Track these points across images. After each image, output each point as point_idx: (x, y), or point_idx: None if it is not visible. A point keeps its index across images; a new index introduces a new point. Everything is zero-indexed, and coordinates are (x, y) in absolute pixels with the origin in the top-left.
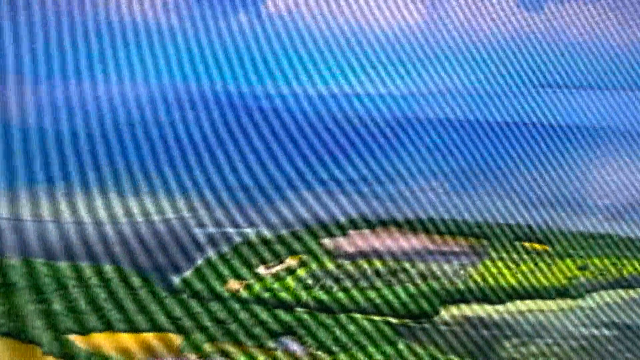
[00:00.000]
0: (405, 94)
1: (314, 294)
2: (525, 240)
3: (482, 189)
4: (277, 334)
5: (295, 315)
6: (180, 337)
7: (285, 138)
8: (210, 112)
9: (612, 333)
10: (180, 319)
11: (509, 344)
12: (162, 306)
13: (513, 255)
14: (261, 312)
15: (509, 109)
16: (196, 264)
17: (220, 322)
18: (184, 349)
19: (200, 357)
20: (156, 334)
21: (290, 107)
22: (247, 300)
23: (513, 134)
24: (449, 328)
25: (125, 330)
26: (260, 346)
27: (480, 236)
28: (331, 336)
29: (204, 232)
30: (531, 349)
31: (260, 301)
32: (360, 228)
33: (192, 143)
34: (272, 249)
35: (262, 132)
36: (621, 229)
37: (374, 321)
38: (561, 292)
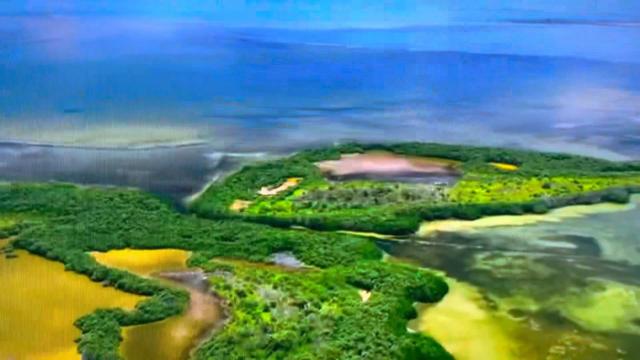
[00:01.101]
0: (397, 29)
1: (309, 213)
2: (497, 162)
3: (461, 116)
4: (275, 249)
5: (291, 233)
6: (189, 254)
7: (288, 71)
8: (223, 48)
9: (571, 246)
10: (190, 236)
11: (480, 256)
12: (174, 225)
13: (485, 175)
14: (261, 230)
15: (486, 42)
16: (206, 186)
17: (225, 239)
18: (192, 264)
19: (206, 271)
20: (168, 250)
21: (295, 42)
22: (249, 219)
23: (489, 65)
24: (426, 242)
25: (141, 247)
26: (260, 261)
27: (456, 158)
28: (323, 252)
29: (215, 157)
30: (499, 261)
31: (261, 220)
32: (353, 152)
33: (206, 77)
34: (273, 173)
35: (268, 66)
36: (583, 151)
37: (361, 237)
38: (527, 209)
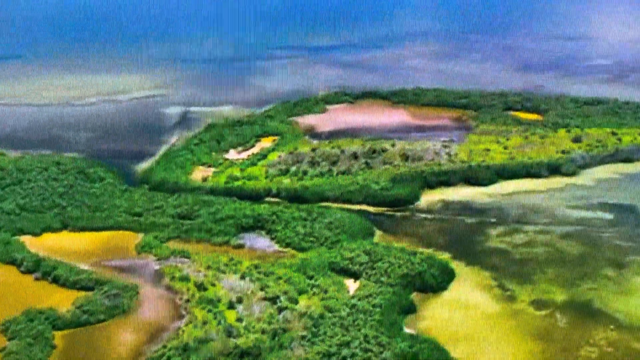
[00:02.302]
0: None
1: (286, 181)
2: (517, 110)
3: (473, 52)
4: (244, 229)
5: (263, 208)
6: (139, 236)
7: (261, 2)
8: None
9: (607, 216)
10: (140, 215)
11: (494, 232)
12: (121, 201)
13: (502, 128)
14: (227, 205)
15: None
16: (162, 150)
17: (182, 217)
18: (141, 249)
19: (159, 259)
20: (114, 232)
21: None
22: (213, 191)
23: None
24: (429, 216)
25: (81, 229)
26: (225, 244)
27: (467, 107)
28: (302, 231)
29: (174, 111)
30: (518, 237)
31: (227, 192)
32: (340, 102)
33: (164, 8)
34: (244, 131)
35: None
36: (622, 92)
37: (349, 211)
38: (553, 169)
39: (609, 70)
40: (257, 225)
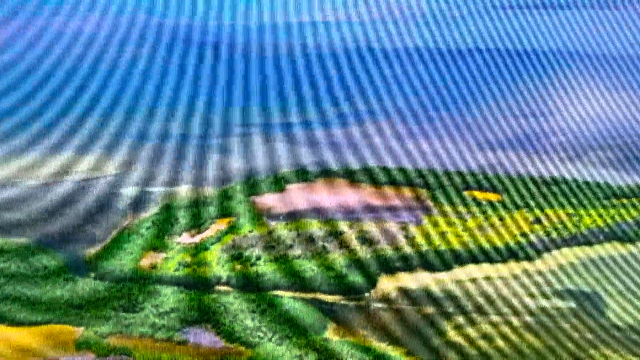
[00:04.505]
0: (363, 20)
1: (238, 267)
2: (475, 189)
3: (435, 130)
4: (189, 323)
5: (211, 299)
6: (79, 331)
7: (229, 76)
8: (154, 48)
9: (568, 304)
10: (82, 306)
11: (451, 324)
12: (63, 292)
13: (460, 209)
14: (173, 296)
15: (467, 35)
16: (112, 234)
17: (125, 310)
18: (80, 345)
19: (98, 357)
20: (53, 326)
21: (240, 40)
22: (160, 280)
23: (470, 63)
24: (385, 306)
25: (18, 324)
26: (169, 339)
27: (426, 186)
28: (250, 324)
29: (128, 192)
30: (476, 330)
31: (175, 280)
32: (301, 181)
33: (130, 86)
34: (199, 212)
35: (205, 71)
36: (581, 172)
37: (302, 301)
38: (512, 253)
39: (568, 148)
40: (203, 318)
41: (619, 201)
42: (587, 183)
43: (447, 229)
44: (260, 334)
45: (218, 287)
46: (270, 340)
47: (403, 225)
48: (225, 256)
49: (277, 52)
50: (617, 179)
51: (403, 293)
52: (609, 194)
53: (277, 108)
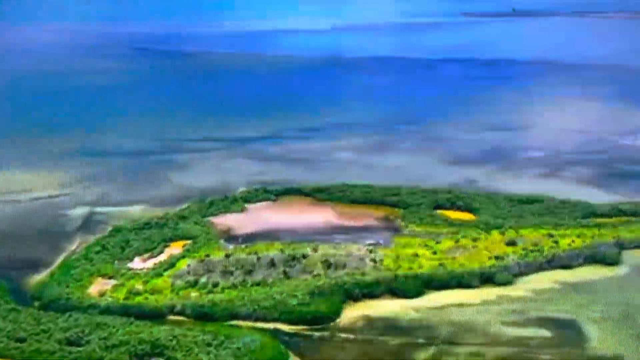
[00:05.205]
0: (332, 29)
1: (193, 295)
2: (447, 208)
3: (404, 144)
4: (139, 356)
5: (163, 331)
6: None
7: (191, 89)
8: (116, 60)
9: (546, 333)
10: (24, 340)
11: (422, 356)
12: (5, 323)
13: (432, 229)
14: (122, 327)
15: (438, 44)
16: (59, 260)
17: (71, 343)
18: None
19: None
20: None
21: (205, 49)
22: (109, 310)
23: (441, 74)
24: (351, 336)
25: None
26: None
27: (395, 205)
28: (205, 359)
29: (78, 213)
30: None
31: (125, 310)
32: (261, 200)
33: (87, 100)
34: (152, 235)
35: (165, 83)
36: (558, 189)
37: (262, 331)
38: (486, 278)
39: (545, 164)
40: (154, 352)
41: (599, 220)
42: (563, 202)
43: (418, 251)
44: None
45: (171, 317)
46: None
47: (371, 248)
48: (179, 283)
49: (239, 62)
50: (597, 196)
51: (370, 322)
52: (588, 213)
53: (236, 121)
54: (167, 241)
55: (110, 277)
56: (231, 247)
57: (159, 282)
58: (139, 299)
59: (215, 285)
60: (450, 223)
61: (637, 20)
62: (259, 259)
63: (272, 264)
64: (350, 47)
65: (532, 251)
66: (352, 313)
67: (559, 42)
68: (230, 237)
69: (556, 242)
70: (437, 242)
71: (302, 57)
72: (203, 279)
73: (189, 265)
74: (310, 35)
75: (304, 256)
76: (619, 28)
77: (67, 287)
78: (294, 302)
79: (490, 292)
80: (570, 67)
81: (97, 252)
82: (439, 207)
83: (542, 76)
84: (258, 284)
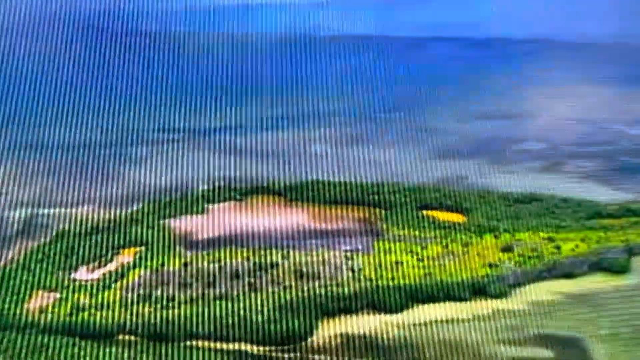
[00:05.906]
0: (307, 4)
1: (146, 311)
2: (434, 209)
3: (386, 135)
4: None
5: (110, 354)
6: None
7: (148, 72)
8: (63, 40)
9: (546, 353)
10: None
11: None
12: None
13: (417, 233)
14: (63, 351)
15: (426, 20)
16: None
17: None
18: None
19: None
20: None
21: (165, 28)
22: (50, 328)
23: (429, 54)
24: (325, 358)
25: None
26: None
27: (377, 205)
28: None
29: (16, 215)
30: None
31: (69, 328)
32: (225, 200)
33: (30, 86)
34: (100, 241)
35: (119, 66)
36: (559, 185)
37: (223, 353)
38: (479, 289)
39: (543, 157)
40: None
41: (605, 222)
42: (565, 200)
43: (401, 258)
44: None
45: (121, 337)
46: None
47: (349, 255)
48: (130, 297)
49: (201, 42)
50: (603, 194)
51: (348, 341)
52: (592, 214)
53: (197, 109)
54: (118, 248)
55: (52, 290)
56: (190, 254)
57: (107, 295)
58: (84, 315)
59: (171, 299)
60: (437, 225)
61: None
62: (221, 268)
63: (236, 274)
64: (325, 24)
65: (530, 258)
66: (327, 331)
67: (559, 18)
68: (189, 243)
69: (557, 247)
70: (423, 248)
71: (271, 35)
72: (157, 292)
73: (141, 276)
74: (282, 10)
75: (273, 265)
76: (624, 2)
77: (3, 301)
78: (261, 318)
79: (483, 306)
80: (570, 46)
81: (38, 261)
82: (425, 207)
83: (540, 57)
84: (220, 298)
